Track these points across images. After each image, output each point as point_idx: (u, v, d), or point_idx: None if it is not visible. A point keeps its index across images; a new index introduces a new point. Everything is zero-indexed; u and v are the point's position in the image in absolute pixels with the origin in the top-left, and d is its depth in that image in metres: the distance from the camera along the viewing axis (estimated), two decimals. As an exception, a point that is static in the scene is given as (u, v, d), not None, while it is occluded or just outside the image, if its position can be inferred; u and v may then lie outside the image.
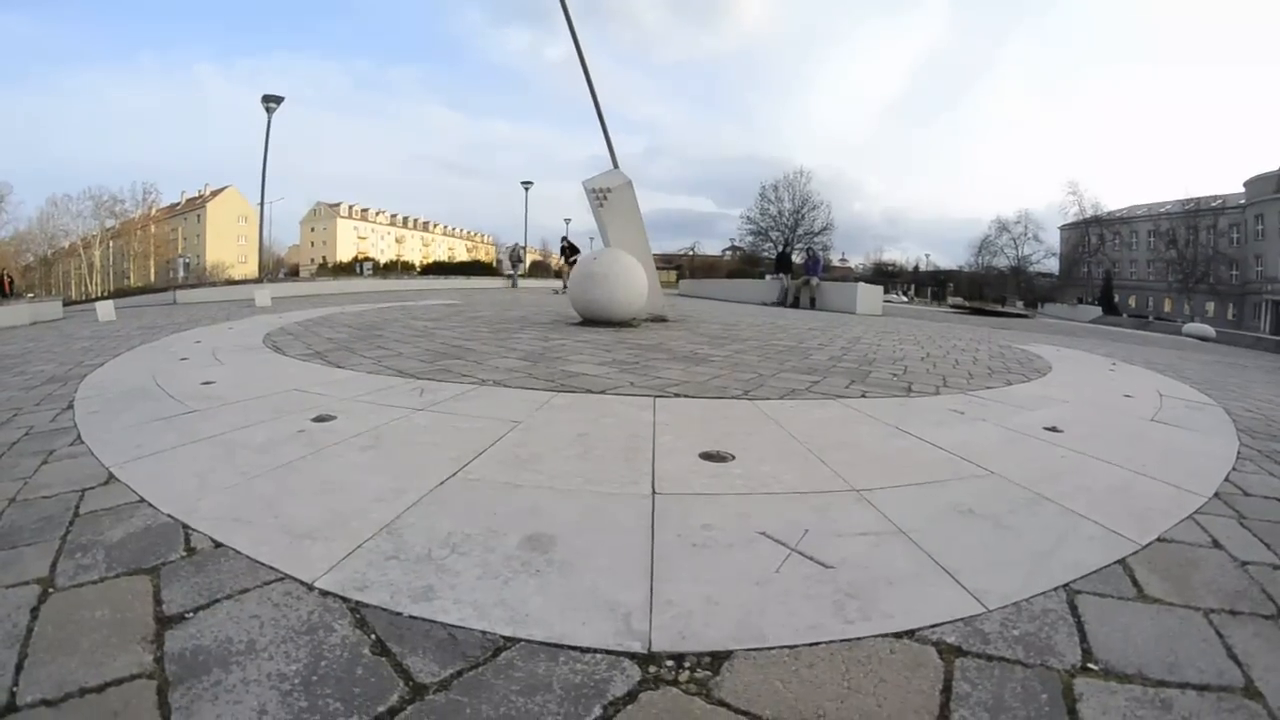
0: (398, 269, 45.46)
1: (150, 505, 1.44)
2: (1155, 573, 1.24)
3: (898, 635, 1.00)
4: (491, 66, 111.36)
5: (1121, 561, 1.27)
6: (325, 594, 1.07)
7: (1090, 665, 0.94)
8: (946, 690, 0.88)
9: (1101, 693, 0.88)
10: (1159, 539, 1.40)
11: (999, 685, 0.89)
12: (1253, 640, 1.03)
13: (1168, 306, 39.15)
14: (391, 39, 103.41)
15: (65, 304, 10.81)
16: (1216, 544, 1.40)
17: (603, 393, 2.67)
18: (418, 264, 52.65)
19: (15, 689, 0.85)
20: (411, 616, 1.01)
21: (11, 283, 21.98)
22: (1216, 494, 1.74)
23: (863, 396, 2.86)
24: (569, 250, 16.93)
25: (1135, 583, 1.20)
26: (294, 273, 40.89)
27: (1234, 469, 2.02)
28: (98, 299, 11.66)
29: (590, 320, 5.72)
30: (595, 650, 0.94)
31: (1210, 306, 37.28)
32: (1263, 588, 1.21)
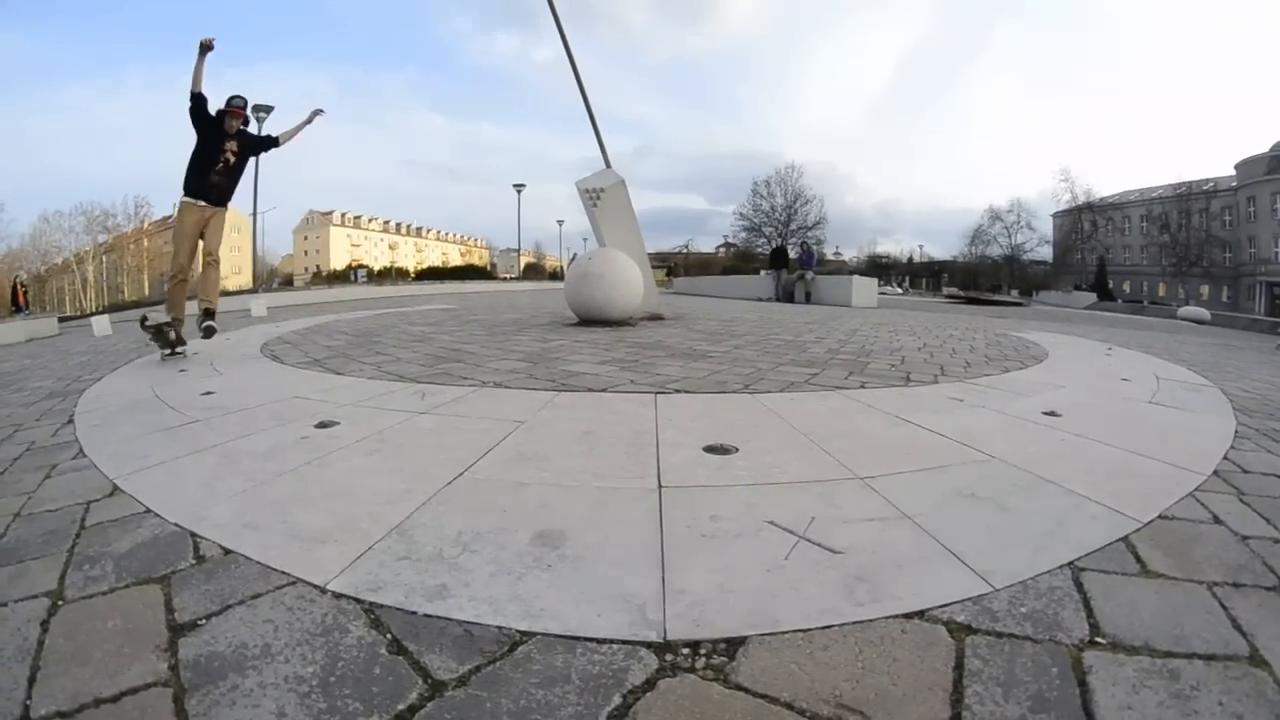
0: (392, 275, 45.44)
1: (157, 515, 1.44)
2: (1158, 549, 1.25)
3: (908, 616, 1.01)
4: (480, 70, 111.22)
5: (1124, 539, 1.29)
6: (339, 596, 1.07)
7: (1098, 639, 0.95)
8: (959, 667, 0.89)
9: (1110, 664, 0.90)
10: (1160, 516, 1.41)
11: (1010, 661, 0.90)
12: (1256, 611, 1.04)
13: (1162, 291, 39.30)
14: (379, 46, 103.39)
15: (60, 320, 10.75)
16: (1217, 520, 1.42)
17: (604, 391, 2.68)
18: (412, 270, 52.61)
19: (29, 702, 0.85)
20: (426, 615, 1.02)
21: (26, 292, 21.56)
22: (1216, 472, 1.76)
23: (862, 387, 2.87)
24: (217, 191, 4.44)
25: (1139, 559, 1.21)
26: (288, 282, 40.69)
27: (1232, 447, 2.04)
28: (93, 314, 11.61)
29: (587, 320, 5.72)
30: (612, 641, 0.95)
31: (1205, 290, 37.48)
32: (1264, 560, 1.22)
